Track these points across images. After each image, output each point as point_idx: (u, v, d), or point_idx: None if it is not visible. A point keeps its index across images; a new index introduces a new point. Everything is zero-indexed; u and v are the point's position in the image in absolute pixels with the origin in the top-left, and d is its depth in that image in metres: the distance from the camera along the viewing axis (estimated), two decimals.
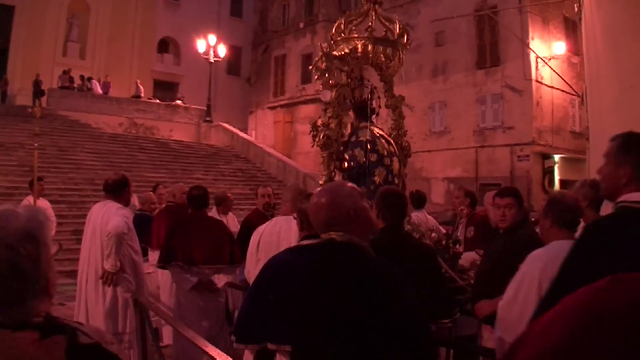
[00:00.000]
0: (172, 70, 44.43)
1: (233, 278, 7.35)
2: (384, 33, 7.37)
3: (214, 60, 33.83)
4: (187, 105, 36.78)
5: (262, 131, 40.77)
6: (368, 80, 7.44)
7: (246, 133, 35.19)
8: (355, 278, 2.72)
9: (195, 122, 35.49)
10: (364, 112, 7.25)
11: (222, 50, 34.11)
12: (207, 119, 34.76)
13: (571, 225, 4.40)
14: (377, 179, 6.82)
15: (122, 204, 6.64)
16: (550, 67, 24.65)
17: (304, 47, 38.34)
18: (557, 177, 27.23)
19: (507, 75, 27.28)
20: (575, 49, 27.73)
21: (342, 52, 7.01)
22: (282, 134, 39.36)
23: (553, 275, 4.20)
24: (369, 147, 6.87)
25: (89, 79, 34.89)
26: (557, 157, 27.36)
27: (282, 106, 39.80)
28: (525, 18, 26.09)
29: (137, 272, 6.62)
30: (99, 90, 34.25)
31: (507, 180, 26.50)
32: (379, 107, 7.46)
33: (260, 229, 5.38)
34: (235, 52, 43.34)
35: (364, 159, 6.78)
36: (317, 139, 6.74)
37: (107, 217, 6.40)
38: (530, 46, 25.83)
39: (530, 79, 26.42)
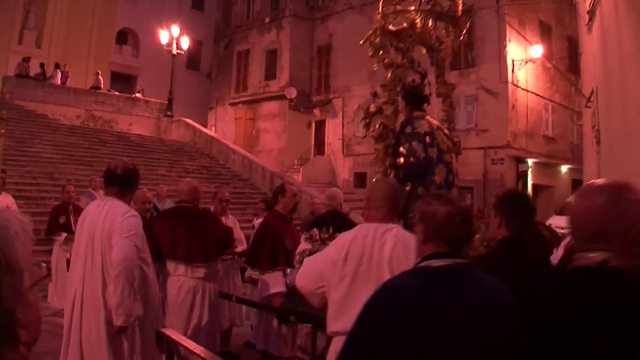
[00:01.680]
0: (130, 62, 42.69)
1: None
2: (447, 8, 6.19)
3: (177, 53, 32.26)
4: (148, 99, 35.10)
5: (222, 128, 39.46)
6: (419, 64, 6.24)
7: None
8: None
9: (155, 116, 33.96)
10: (417, 99, 6.09)
11: (185, 43, 32.53)
12: (168, 113, 33.24)
13: None
14: (437, 178, 5.69)
15: (128, 205, 4.96)
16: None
17: (268, 42, 37.18)
18: (530, 182, 26.64)
19: (482, 77, 26.61)
20: (550, 54, 27.13)
21: (399, 27, 5.82)
22: (244, 131, 38.14)
23: None
24: (427, 140, 5.71)
25: (56, 65, 33.03)
26: (530, 162, 26.78)
27: (243, 102, 38.50)
28: (502, 20, 25.34)
29: (147, 291, 4.92)
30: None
31: (481, 183, 26.04)
32: (430, 94, 6.28)
33: (347, 237, 4.12)
34: (195, 46, 41.64)
35: (424, 154, 5.63)
36: (371, 129, 5.56)
37: (110, 224, 4.71)
38: (507, 49, 25.18)
39: (507, 82, 25.80)
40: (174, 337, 4.45)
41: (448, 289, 2.45)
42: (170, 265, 6.09)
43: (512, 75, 25.81)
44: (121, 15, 41.48)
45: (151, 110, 34.39)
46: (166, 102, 33.87)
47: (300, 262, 5.71)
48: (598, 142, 12.24)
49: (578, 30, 17.31)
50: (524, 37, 26.11)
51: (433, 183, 5.65)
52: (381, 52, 5.84)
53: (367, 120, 5.73)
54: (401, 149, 5.65)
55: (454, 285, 2.47)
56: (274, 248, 6.52)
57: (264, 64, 37.38)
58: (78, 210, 10.06)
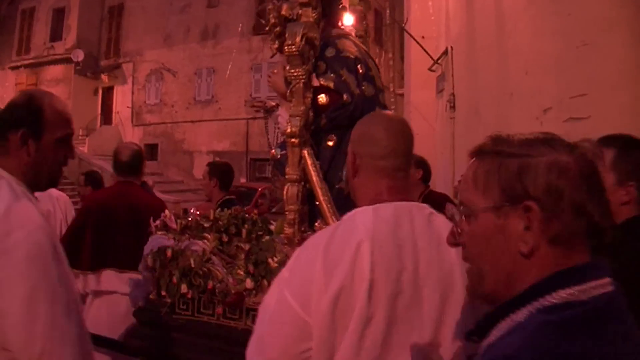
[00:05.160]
0: None
1: None
2: None
3: None
4: None
5: (1, 94, 34.67)
6: None
7: None
8: None
9: None
10: (334, 10, 3.80)
11: None
12: None
13: None
14: None
15: None
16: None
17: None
18: None
19: None
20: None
21: None
22: None
23: None
24: (360, 70, 3.50)
25: None
26: None
27: (26, 66, 34.64)
28: None
29: None
30: None
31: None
32: (345, 8, 4.09)
33: (351, 234, 1.81)
34: None
35: (359, 91, 3.41)
36: (289, 42, 3.18)
37: None
38: None
39: None
40: None
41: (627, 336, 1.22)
42: None
43: None
44: None
45: None
46: None
47: (151, 270, 3.33)
48: (452, 107, 10.84)
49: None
50: None
51: None
52: None
53: (278, 30, 3.39)
54: (322, 80, 3.39)
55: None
56: None
57: (49, 24, 33.79)
58: None
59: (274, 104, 4.03)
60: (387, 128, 2.17)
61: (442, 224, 2.05)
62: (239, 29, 25.68)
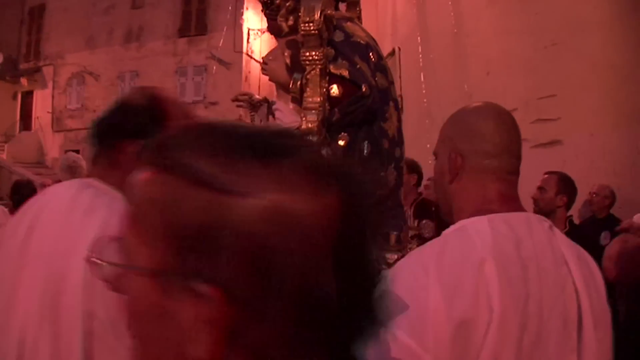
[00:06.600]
0: None
1: None
2: None
3: None
4: None
5: None
6: None
7: None
8: None
9: None
10: None
11: None
12: None
13: None
14: (389, 126, 3.03)
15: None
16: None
17: None
18: None
19: (214, 45, 24.29)
20: None
21: None
22: None
23: None
24: (372, 57, 2.96)
25: None
26: None
27: None
28: None
29: None
30: None
31: None
32: None
33: (480, 250, 1.31)
34: None
35: (374, 81, 2.88)
36: (306, 19, 2.59)
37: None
38: (243, 17, 23.40)
39: (241, 52, 24.16)
40: None
41: None
42: None
43: (247, 46, 24.04)
44: None
45: None
46: None
47: None
48: (400, 109, 10.50)
49: None
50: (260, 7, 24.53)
51: (384, 135, 2.95)
52: None
53: (290, 4, 2.78)
54: (333, 68, 2.82)
55: None
56: None
57: None
58: None
59: (260, 98, 3.45)
60: (498, 122, 1.71)
61: (564, 241, 1.60)
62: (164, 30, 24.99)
